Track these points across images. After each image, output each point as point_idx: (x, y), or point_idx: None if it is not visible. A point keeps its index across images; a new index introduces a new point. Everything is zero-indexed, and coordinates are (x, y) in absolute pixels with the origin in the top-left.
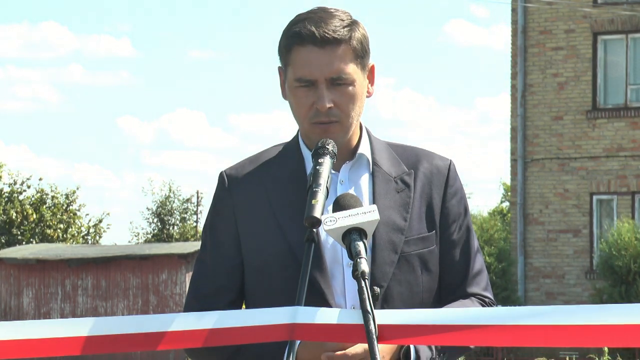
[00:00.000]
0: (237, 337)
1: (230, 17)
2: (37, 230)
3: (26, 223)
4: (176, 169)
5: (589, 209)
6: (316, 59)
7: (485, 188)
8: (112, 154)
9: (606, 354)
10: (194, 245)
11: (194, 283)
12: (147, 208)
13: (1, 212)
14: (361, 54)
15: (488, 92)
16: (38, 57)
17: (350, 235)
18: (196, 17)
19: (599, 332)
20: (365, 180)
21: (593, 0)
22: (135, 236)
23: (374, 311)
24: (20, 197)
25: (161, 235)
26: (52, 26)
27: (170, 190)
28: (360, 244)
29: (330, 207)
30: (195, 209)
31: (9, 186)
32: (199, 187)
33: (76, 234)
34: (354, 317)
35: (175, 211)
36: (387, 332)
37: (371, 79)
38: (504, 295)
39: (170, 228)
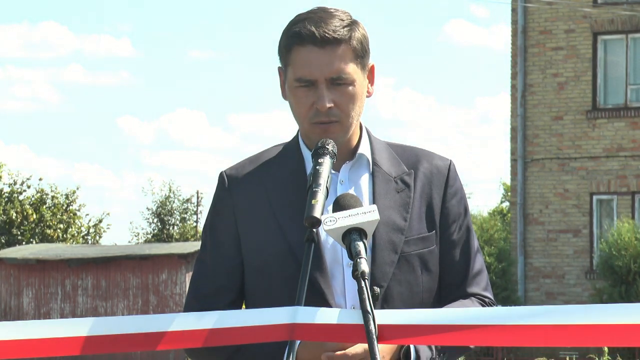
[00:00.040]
0: (237, 337)
1: (230, 17)
2: (37, 231)
3: (26, 223)
4: (176, 169)
5: (589, 209)
6: (316, 59)
7: (485, 188)
8: (112, 154)
9: (606, 354)
10: (194, 245)
11: (194, 283)
12: (147, 208)
13: (1, 212)
14: (361, 54)
15: (488, 92)
16: (38, 57)
17: (350, 235)
18: (196, 17)
19: (598, 331)
20: (365, 180)
21: (593, 0)
22: (135, 236)
23: (374, 311)
24: (20, 197)
25: (161, 235)
26: (52, 26)
27: (170, 190)
28: (360, 244)
29: (330, 207)
30: (195, 209)
31: (9, 186)
32: (199, 187)
33: (76, 234)
34: (354, 317)
35: (175, 211)
36: (387, 332)
37: (371, 79)
38: (504, 295)
39: (170, 228)
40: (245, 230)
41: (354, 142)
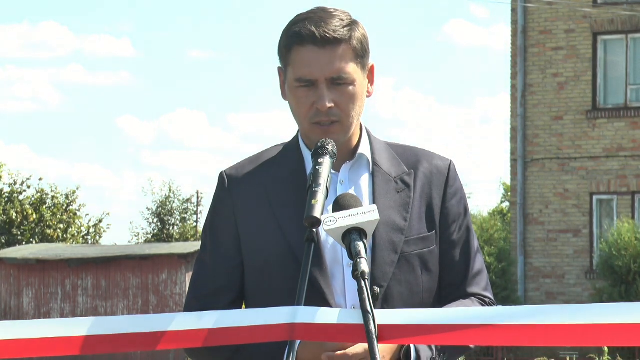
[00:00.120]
0: (237, 337)
1: (230, 17)
2: (37, 230)
3: (26, 223)
4: (176, 169)
5: (589, 209)
6: (316, 59)
7: (485, 188)
8: (112, 154)
9: (606, 354)
10: (194, 245)
11: (194, 283)
12: (147, 208)
13: (1, 212)
14: (361, 54)
15: (488, 92)
16: (38, 57)
17: (350, 235)
18: (196, 17)
19: (598, 331)
20: (365, 180)
21: (593, 0)
22: (135, 236)
23: (374, 311)
24: (20, 197)
25: (161, 235)
26: (52, 26)
27: (170, 190)
28: (360, 244)
29: (330, 207)
30: (195, 209)
31: (9, 186)
32: (199, 187)
33: (76, 234)
34: (354, 317)
35: (175, 211)
36: (387, 332)
37: (371, 79)
38: (504, 295)
39: (170, 228)
40: (245, 230)
41: (354, 142)
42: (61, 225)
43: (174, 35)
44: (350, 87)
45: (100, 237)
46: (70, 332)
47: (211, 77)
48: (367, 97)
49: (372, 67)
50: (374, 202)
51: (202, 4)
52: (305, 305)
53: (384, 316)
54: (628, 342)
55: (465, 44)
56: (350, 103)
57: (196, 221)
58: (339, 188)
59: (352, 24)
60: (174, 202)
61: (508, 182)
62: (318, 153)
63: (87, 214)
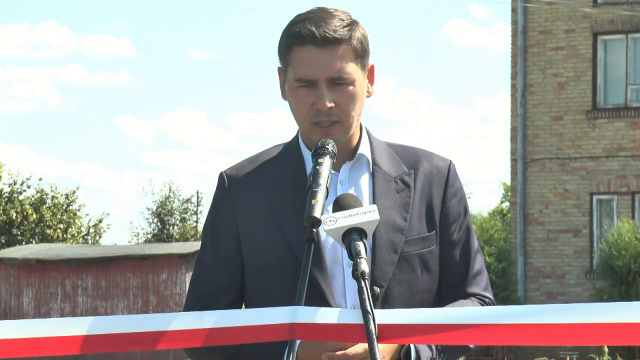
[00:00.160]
0: (237, 336)
1: (230, 17)
2: (37, 230)
3: (26, 223)
4: (176, 169)
5: (589, 209)
6: (316, 59)
7: (485, 188)
8: (112, 154)
9: (606, 354)
10: (194, 245)
11: (194, 283)
12: (147, 208)
13: (1, 212)
14: (361, 54)
15: (488, 92)
16: (38, 57)
17: (350, 235)
18: (196, 17)
19: (598, 330)
20: (365, 180)
21: (593, 0)
22: (135, 236)
23: (374, 311)
24: (20, 197)
25: (161, 235)
26: (52, 26)
27: (170, 190)
28: (360, 244)
29: (330, 207)
30: (195, 209)
31: (9, 186)
32: (199, 187)
33: (76, 234)
34: (354, 317)
35: (175, 211)
36: (387, 332)
37: (371, 78)
38: (504, 295)
39: (170, 228)
40: (245, 231)
41: (354, 142)
42: (61, 225)
43: (174, 35)
44: (351, 87)
45: (100, 237)
46: (70, 331)
47: (211, 77)
48: (367, 97)
49: (372, 67)
50: (374, 202)
51: (202, 3)
52: (305, 305)
53: (384, 316)
54: (628, 341)
55: (465, 44)
56: (351, 103)
57: (196, 221)
58: (339, 188)
59: (352, 24)
60: (174, 202)
61: (508, 182)
62: (318, 153)
63: (87, 214)
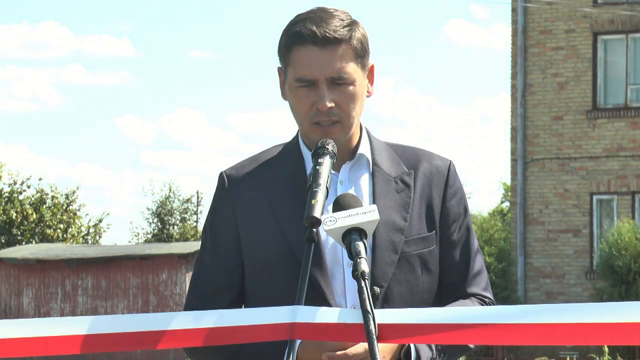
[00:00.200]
0: (237, 336)
1: (230, 17)
2: (37, 230)
3: (26, 223)
4: (176, 169)
5: (589, 209)
6: (316, 59)
7: (485, 188)
8: (112, 154)
9: (606, 354)
10: (194, 245)
11: (194, 283)
12: (147, 208)
13: (1, 212)
14: (361, 54)
15: (488, 92)
16: (38, 57)
17: (350, 235)
18: (196, 17)
19: (598, 330)
20: (365, 180)
21: (593, 0)
22: (135, 236)
23: (374, 311)
24: (20, 197)
25: (161, 235)
26: (52, 26)
27: (170, 190)
28: (360, 244)
29: (330, 207)
30: (195, 209)
31: (9, 186)
32: (199, 187)
33: (76, 234)
34: (354, 317)
35: (175, 211)
36: (387, 332)
37: (371, 78)
38: (504, 295)
39: (170, 228)
40: (245, 231)
41: (354, 142)
42: (61, 225)
43: (174, 35)
44: (351, 87)
45: (100, 237)
46: (70, 331)
47: (211, 77)
48: (367, 97)
49: (372, 67)
50: (374, 202)
51: (202, 3)
52: (305, 305)
53: (384, 316)
54: (628, 341)
55: (465, 44)
56: (351, 103)
57: (196, 221)
58: (339, 188)
59: (352, 24)
60: (174, 202)
61: (508, 182)
62: (318, 153)
63: (87, 214)
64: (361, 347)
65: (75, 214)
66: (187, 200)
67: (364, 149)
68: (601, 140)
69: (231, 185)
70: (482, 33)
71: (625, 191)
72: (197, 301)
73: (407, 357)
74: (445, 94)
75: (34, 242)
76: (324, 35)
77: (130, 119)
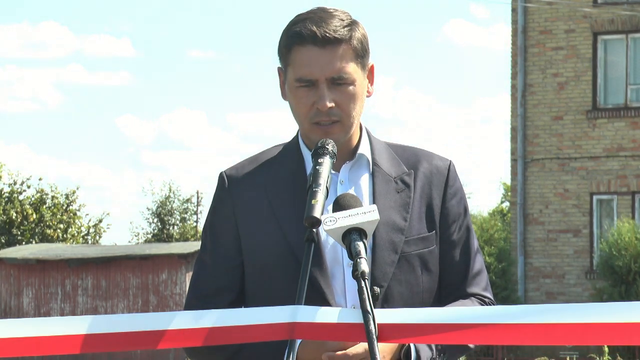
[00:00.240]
0: (237, 336)
1: (230, 17)
2: (37, 230)
3: (26, 223)
4: (176, 169)
5: (589, 209)
6: (317, 59)
7: (485, 188)
8: (112, 154)
9: (606, 354)
10: (194, 245)
11: (194, 283)
12: (147, 208)
13: (1, 212)
14: (361, 54)
15: (488, 92)
16: (38, 57)
17: (350, 235)
18: (196, 17)
19: (598, 330)
20: (365, 180)
21: (593, 0)
22: (135, 236)
23: (374, 311)
24: (20, 197)
25: (161, 235)
26: (52, 26)
27: (170, 190)
28: (360, 244)
29: (330, 207)
30: (195, 209)
31: (9, 186)
32: (199, 187)
33: (76, 234)
34: (354, 317)
35: (175, 211)
36: (387, 332)
37: (371, 78)
38: (504, 295)
39: (170, 228)
40: (245, 231)
41: (354, 142)
42: (61, 225)
43: (174, 35)
44: (351, 87)
45: (100, 237)
46: (70, 331)
47: (211, 77)
48: (367, 97)
49: (372, 67)
50: (374, 202)
51: (202, 3)
52: (305, 305)
53: (384, 315)
54: (628, 341)
55: (465, 44)
56: (351, 103)
57: (196, 221)
58: (339, 188)
59: (352, 24)
60: (174, 202)
61: (508, 182)
62: (318, 153)
63: (87, 214)
64: (361, 347)
65: (75, 214)
66: (187, 200)
67: (364, 149)
68: (601, 140)
69: (231, 186)
70: (482, 33)
71: (625, 191)
72: (197, 301)
73: (407, 357)
74: (445, 94)
75: (34, 242)
76: (324, 35)
77: (130, 119)
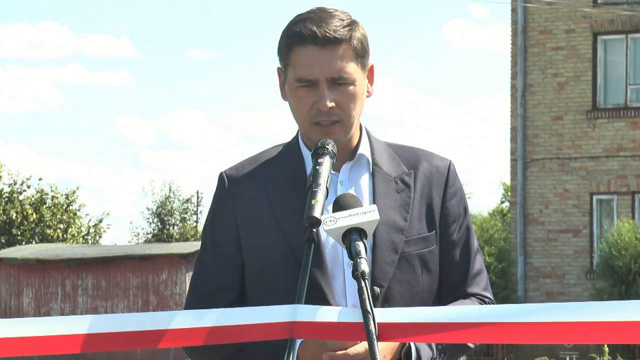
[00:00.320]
0: (238, 335)
1: (230, 17)
2: (37, 230)
3: (26, 223)
4: (176, 169)
5: (589, 209)
6: (317, 59)
7: (485, 188)
8: (112, 154)
9: (607, 354)
10: (194, 245)
11: (194, 283)
12: (147, 208)
13: (1, 212)
14: (361, 54)
15: (488, 92)
16: (38, 57)
17: (350, 235)
18: (196, 17)
19: (597, 329)
20: (365, 180)
21: (593, 0)
22: (135, 236)
23: (374, 310)
24: (20, 197)
25: (161, 235)
26: (52, 26)
27: (170, 190)
28: (360, 244)
29: (330, 207)
30: (195, 209)
31: (9, 186)
32: (199, 187)
33: (76, 234)
34: (354, 316)
35: (175, 211)
36: (387, 331)
37: (371, 78)
38: (504, 295)
39: (170, 228)
40: (245, 231)
41: (354, 142)
42: (61, 225)
43: (174, 35)
44: (351, 87)
45: (100, 237)
46: (70, 330)
47: (211, 77)
48: (367, 97)
49: (372, 67)
50: (374, 202)
51: (202, 3)
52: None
53: (384, 315)
54: (628, 340)
55: (465, 44)
56: (351, 103)
57: (196, 221)
58: (339, 188)
59: (352, 24)
60: (174, 202)
61: (508, 182)
62: (318, 153)
63: (87, 214)
64: (362, 346)
65: (75, 214)
66: (187, 200)
67: (364, 149)
68: (601, 140)
69: (231, 186)
70: (482, 33)
71: (625, 191)
72: (197, 301)
73: (408, 357)
74: (445, 94)
75: (34, 242)
76: (324, 35)
77: (130, 119)
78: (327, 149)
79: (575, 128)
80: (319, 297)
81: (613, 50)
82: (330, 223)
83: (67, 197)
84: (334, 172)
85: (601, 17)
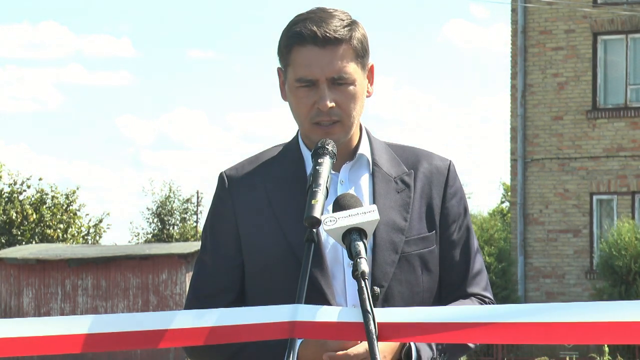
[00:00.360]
0: (238, 335)
1: (230, 17)
2: (37, 230)
3: (26, 223)
4: (176, 169)
5: (589, 209)
6: (317, 59)
7: (485, 188)
8: (112, 154)
9: (607, 354)
10: (194, 245)
11: (195, 283)
12: (147, 208)
13: (1, 212)
14: (361, 54)
15: (488, 92)
16: (38, 57)
17: (350, 235)
18: (196, 17)
19: (597, 329)
20: (365, 180)
21: (593, 0)
22: (135, 236)
23: (374, 310)
24: (20, 197)
25: (161, 235)
26: (52, 26)
27: (170, 190)
28: (360, 244)
29: (330, 207)
30: (195, 209)
31: (9, 186)
32: (199, 187)
33: (76, 234)
34: (354, 315)
35: (175, 211)
36: (387, 331)
37: (371, 78)
38: (504, 295)
39: (171, 228)
40: (245, 231)
41: (354, 142)
42: (61, 225)
43: (174, 35)
44: (351, 87)
45: (100, 237)
46: (70, 330)
47: (211, 77)
48: (367, 97)
49: (372, 67)
50: (374, 202)
51: (202, 3)
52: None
53: (384, 315)
54: (628, 340)
55: (465, 44)
56: (351, 103)
57: (196, 221)
58: (339, 188)
59: (352, 24)
60: (174, 202)
61: (508, 182)
62: (318, 153)
63: (87, 214)
64: (362, 346)
65: (75, 214)
66: (187, 200)
67: (364, 149)
68: (601, 140)
69: (231, 186)
70: (482, 33)
71: (625, 191)
72: (197, 301)
73: (408, 357)
74: (445, 94)
75: (34, 242)
76: (324, 35)
77: (130, 119)
78: (327, 149)
79: (575, 128)
80: (319, 297)
81: (613, 50)
82: (330, 223)
83: (67, 197)
84: (334, 172)
85: (601, 17)
